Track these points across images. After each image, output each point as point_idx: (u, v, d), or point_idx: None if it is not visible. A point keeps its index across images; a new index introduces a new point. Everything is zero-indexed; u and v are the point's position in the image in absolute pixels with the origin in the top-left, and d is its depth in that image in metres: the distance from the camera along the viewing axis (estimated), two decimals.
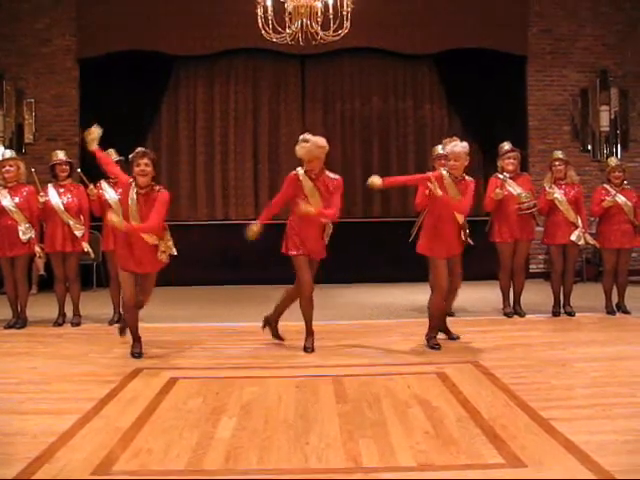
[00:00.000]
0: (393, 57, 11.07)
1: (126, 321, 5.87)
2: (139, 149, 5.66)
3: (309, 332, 5.86)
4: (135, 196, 5.53)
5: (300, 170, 5.76)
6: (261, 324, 6.13)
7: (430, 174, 5.96)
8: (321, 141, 5.69)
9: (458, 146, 5.82)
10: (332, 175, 5.81)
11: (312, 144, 5.64)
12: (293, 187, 5.72)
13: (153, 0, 10.67)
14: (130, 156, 5.61)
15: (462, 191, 5.83)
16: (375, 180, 5.73)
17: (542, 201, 7.32)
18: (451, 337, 6.22)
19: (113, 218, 5.42)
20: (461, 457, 3.38)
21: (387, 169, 11.28)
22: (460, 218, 5.93)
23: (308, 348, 5.77)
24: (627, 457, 3.32)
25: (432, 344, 5.87)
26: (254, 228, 5.77)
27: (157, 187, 5.63)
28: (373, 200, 11.27)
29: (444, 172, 5.91)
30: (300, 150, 5.67)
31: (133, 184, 5.55)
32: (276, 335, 6.10)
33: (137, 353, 5.65)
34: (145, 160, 5.52)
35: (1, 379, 4.98)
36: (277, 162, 11.10)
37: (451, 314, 7.48)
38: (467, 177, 5.94)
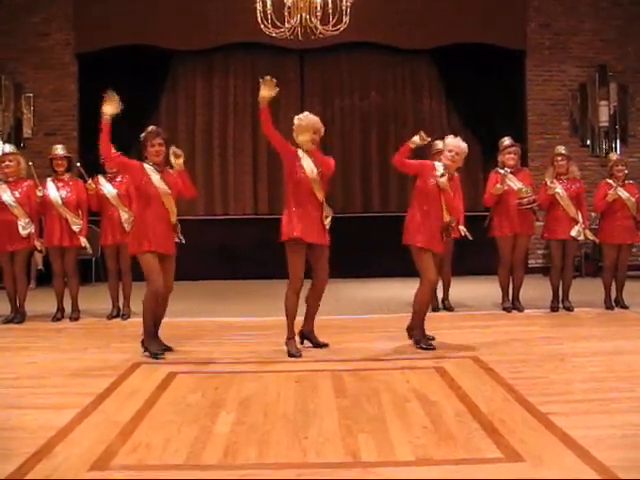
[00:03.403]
0: (392, 52, 11.06)
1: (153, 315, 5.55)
2: (151, 128, 5.59)
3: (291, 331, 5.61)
4: (159, 176, 5.47)
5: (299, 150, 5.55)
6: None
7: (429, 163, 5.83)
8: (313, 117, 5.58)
9: (463, 143, 5.71)
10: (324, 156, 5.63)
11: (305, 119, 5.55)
12: (290, 156, 5.54)
13: None
14: (141, 136, 5.52)
15: (453, 188, 5.71)
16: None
17: (543, 196, 7.31)
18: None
19: None
20: (459, 451, 3.38)
21: (386, 164, 11.27)
22: (446, 216, 5.62)
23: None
24: (625, 452, 3.32)
25: (426, 344, 5.67)
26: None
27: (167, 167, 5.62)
28: (372, 194, 11.29)
29: (438, 164, 5.70)
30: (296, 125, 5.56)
31: (148, 166, 5.48)
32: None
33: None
34: (159, 140, 5.49)
35: (0, 374, 4.98)
36: (276, 157, 11.05)
37: (450, 309, 7.50)
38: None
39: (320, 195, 5.49)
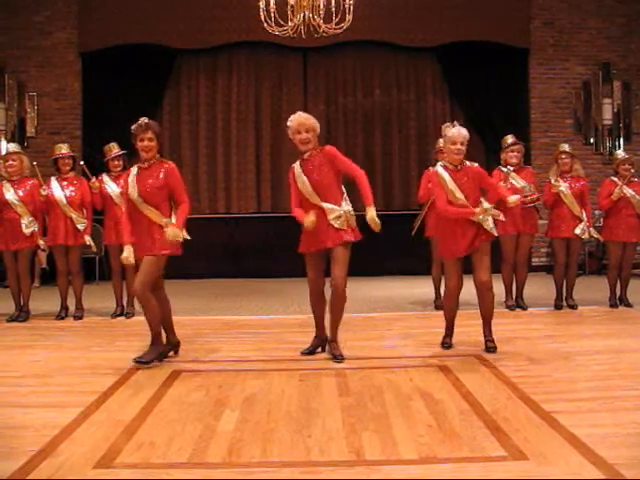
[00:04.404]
0: (395, 50, 11.06)
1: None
2: (141, 120, 5.15)
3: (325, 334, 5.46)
4: (136, 171, 5.16)
5: (296, 163, 5.43)
6: None
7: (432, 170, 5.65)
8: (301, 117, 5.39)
9: (464, 129, 5.32)
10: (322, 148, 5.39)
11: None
12: (293, 180, 5.39)
13: None
14: (132, 128, 5.15)
15: (466, 183, 5.32)
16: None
17: (547, 194, 7.30)
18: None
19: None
20: (463, 450, 3.38)
21: (389, 162, 11.31)
22: (479, 211, 5.29)
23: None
24: (629, 450, 3.31)
25: (441, 342, 5.69)
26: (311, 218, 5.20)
27: (164, 161, 5.23)
28: (375, 193, 11.22)
29: (440, 169, 5.41)
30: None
31: (134, 167, 5.23)
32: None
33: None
34: (149, 134, 5.09)
35: (4, 372, 4.99)
36: (279, 155, 11.10)
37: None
38: (469, 163, 5.38)
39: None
